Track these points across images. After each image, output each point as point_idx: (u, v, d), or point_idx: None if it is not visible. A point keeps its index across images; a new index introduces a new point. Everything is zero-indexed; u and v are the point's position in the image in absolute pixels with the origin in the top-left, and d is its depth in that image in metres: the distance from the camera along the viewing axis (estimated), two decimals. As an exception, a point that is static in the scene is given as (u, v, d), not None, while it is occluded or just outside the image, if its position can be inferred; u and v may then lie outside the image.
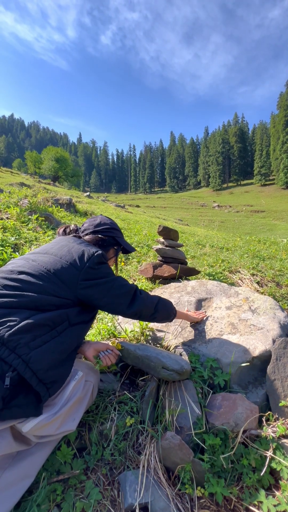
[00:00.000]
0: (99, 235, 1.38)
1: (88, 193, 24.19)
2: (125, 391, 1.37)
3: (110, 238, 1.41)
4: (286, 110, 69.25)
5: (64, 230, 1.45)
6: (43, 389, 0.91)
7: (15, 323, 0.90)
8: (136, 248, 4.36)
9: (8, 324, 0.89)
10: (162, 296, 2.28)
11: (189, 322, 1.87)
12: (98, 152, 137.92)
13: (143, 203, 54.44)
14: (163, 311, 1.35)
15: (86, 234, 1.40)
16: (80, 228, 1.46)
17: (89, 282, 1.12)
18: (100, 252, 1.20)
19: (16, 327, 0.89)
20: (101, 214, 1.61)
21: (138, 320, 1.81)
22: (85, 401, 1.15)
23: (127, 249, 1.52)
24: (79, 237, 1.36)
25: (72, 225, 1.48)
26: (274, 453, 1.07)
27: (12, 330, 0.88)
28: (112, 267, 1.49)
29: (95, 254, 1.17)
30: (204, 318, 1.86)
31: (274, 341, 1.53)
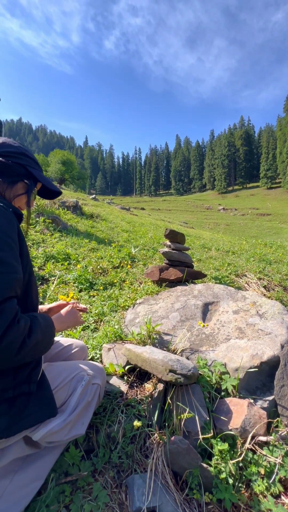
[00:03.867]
0: (0, 159, 0.95)
1: (93, 196, 24.38)
2: (132, 394, 1.37)
3: (16, 165, 0.98)
4: (293, 113, 68.79)
5: None
6: (25, 387, 0.86)
7: None
8: (142, 251, 4.37)
9: None
10: (168, 300, 2.29)
11: (195, 326, 1.87)
12: (104, 155, 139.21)
13: (148, 205, 54.56)
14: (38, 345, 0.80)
15: None
16: None
17: None
18: None
19: None
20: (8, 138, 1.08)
21: (148, 320, 1.71)
22: (93, 404, 1.15)
23: (48, 187, 1.08)
24: None
25: None
26: (283, 460, 1.05)
27: None
28: (24, 212, 1.05)
29: None
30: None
31: (282, 347, 1.52)
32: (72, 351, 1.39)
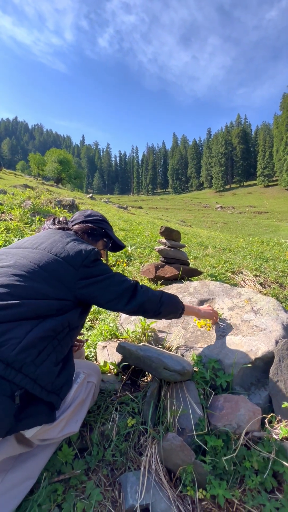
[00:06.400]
0: (89, 224, 1.35)
1: (90, 195, 24.28)
2: (126, 392, 1.37)
3: (99, 229, 1.38)
4: (289, 111, 68.97)
5: (53, 221, 1.35)
6: (54, 398, 0.91)
7: (18, 340, 0.84)
8: (138, 249, 4.36)
9: (11, 342, 0.82)
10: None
11: (191, 323, 1.86)
12: (101, 154, 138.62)
13: (146, 204, 54.51)
14: (169, 305, 1.26)
15: (75, 224, 1.36)
16: (69, 221, 1.41)
17: (88, 281, 1.07)
18: (96, 249, 1.15)
19: (19, 345, 0.83)
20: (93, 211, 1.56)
21: (143, 317, 1.78)
22: (87, 402, 1.15)
23: (118, 244, 1.48)
24: (68, 229, 1.30)
25: (61, 217, 1.41)
26: (277, 455, 1.05)
27: (16, 349, 0.82)
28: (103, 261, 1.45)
29: (92, 252, 1.12)
30: (217, 320, 1.75)
31: (277, 342, 1.52)
32: None
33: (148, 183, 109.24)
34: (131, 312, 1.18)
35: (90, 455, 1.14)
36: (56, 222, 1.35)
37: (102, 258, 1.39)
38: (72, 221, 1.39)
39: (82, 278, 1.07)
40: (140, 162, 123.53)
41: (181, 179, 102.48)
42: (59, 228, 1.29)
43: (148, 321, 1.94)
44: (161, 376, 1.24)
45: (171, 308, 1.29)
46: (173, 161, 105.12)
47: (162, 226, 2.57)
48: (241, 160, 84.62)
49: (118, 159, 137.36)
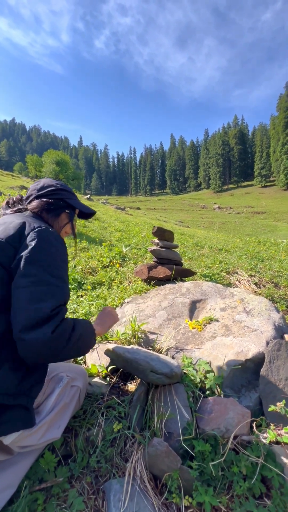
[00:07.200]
0: (44, 199, 1.15)
1: (88, 196, 24.24)
2: (113, 396, 1.34)
3: (58, 201, 1.17)
4: (285, 111, 69.38)
5: (7, 203, 1.20)
6: (23, 399, 0.88)
7: None
8: (133, 250, 4.33)
9: None
10: (156, 298, 2.25)
11: (182, 324, 1.84)
12: (99, 155, 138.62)
13: (144, 205, 54.52)
14: (80, 341, 0.92)
15: (30, 202, 1.17)
16: (23, 198, 1.24)
17: (19, 263, 0.87)
18: (42, 227, 0.98)
19: None
20: (48, 177, 1.37)
21: (133, 319, 1.71)
22: (71, 407, 1.11)
23: (84, 211, 1.29)
24: (26, 209, 1.15)
25: (16, 196, 1.25)
26: (266, 460, 1.02)
27: None
28: (67, 238, 1.25)
29: (36, 229, 0.95)
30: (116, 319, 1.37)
31: (268, 343, 1.49)
32: None
33: (146, 184, 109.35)
34: (22, 343, 0.81)
35: (74, 462, 1.11)
36: (11, 204, 1.20)
37: (69, 234, 1.27)
38: (27, 199, 1.20)
39: (17, 259, 0.90)
40: (138, 163, 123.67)
41: (179, 180, 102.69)
42: (16, 211, 1.15)
43: (139, 322, 1.91)
44: (148, 379, 1.21)
45: (82, 345, 0.96)
46: (171, 162, 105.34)
47: (154, 226, 2.55)
48: (238, 160, 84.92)
49: (116, 160, 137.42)
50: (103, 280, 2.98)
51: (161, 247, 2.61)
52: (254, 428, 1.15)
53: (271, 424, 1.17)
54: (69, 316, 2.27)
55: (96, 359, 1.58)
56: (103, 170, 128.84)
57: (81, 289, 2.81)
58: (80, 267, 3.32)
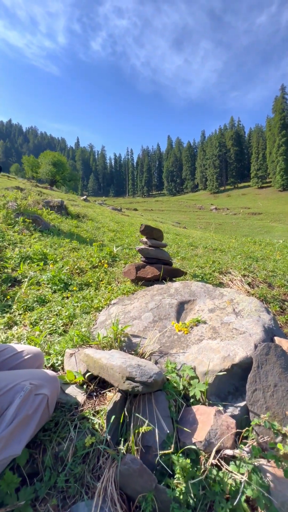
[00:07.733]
0: None
1: (85, 197, 24.06)
2: (89, 405, 1.23)
3: None
4: (281, 113, 69.92)
5: None
6: None
7: None
8: (124, 250, 4.23)
9: None
10: (143, 299, 2.15)
11: (168, 326, 1.74)
12: (96, 156, 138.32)
13: (141, 206, 54.44)
14: None
15: None
16: None
17: None
18: None
19: None
20: None
21: (115, 321, 1.56)
22: (35, 418, 1.00)
23: None
24: None
25: None
26: (250, 478, 0.93)
27: None
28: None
29: None
30: None
31: (256, 347, 1.40)
32: (23, 359, 1.24)
33: (143, 185, 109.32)
34: None
35: (40, 482, 1.00)
36: None
37: None
38: None
39: None
40: (135, 164, 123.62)
41: (176, 181, 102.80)
42: None
43: (123, 325, 1.81)
44: (123, 387, 1.11)
45: None
46: (168, 163, 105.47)
47: (142, 224, 2.45)
48: (235, 162, 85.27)
49: (113, 161, 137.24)
50: (91, 281, 2.87)
51: (149, 246, 2.52)
52: (239, 441, 1.05)
53: (258, 435, 1.07)
54: (52, 318, 2.17)
55: (74, 365, 1.47)
56: (100, 171, 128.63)
57: (67, 290, 2.70)
58: (68, 267, 3.20)
